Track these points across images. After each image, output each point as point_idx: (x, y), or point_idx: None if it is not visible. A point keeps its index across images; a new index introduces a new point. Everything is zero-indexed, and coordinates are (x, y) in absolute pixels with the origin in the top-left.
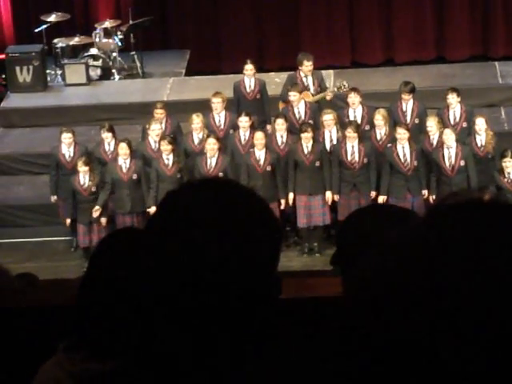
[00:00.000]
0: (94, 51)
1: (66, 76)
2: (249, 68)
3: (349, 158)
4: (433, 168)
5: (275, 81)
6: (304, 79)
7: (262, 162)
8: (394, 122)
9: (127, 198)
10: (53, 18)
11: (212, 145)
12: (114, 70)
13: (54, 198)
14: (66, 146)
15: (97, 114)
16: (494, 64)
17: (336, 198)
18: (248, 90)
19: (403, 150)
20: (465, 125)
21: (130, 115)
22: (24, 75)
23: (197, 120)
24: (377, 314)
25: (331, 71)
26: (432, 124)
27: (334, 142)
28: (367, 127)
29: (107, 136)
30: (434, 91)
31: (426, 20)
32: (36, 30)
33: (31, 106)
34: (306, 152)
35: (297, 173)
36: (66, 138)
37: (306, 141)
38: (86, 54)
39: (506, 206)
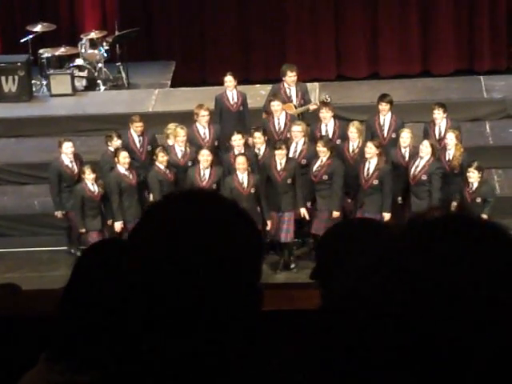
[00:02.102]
0: (79, 62)
1: (52, 86)
2: (228, 80)
3: (314, 170)
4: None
5: (260, 93)
6: (287, 90)
7: (245, 185)
8: (371, 135)
9: (137, 203)
10: (39, 28)
11: (206, 156)
12: (99, 81)
13: (60, 214)
14: (68, 157)
15: (82, 125)
16: (479, 78)
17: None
18: (232, 102)
19: (369, 164)
20: None
21: (116, 126)
22: (9, 85)
23: (182, 133)
24: (354, 326)
25: (316, 84)
26: (407, 136)
27: (298, 153)
28: (338, 141)
29: (120, 143)
30: (419, 105)
31: (412, 34)
32: (22, 40)
33: (16, 116)
34: (278, 168)
35: (268, 188)
36: (68, 147)
37: (280, 157)
38: (71, 65)
39: (483, 221)
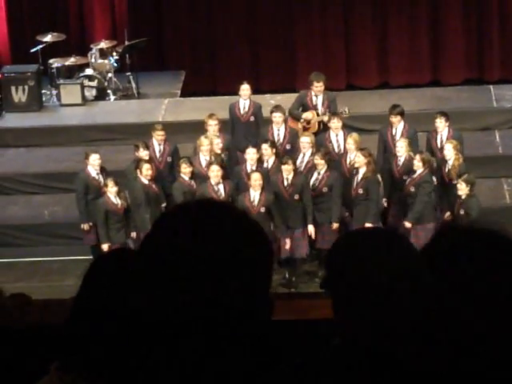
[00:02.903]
0: (89, 72)
1: (62, 96)
2: (245, 88)
3: (311, 184)
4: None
5: (270, 103)
6: (314, 98)
7: (256, 203)
8: (383, 145)
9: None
10: (49, 38)
11: (216, 172)
12: (109, 91)
13: (87, 226)
14: (95, 168)
15: (92, 135)
16: (489, 87)
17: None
18: (242, 111)
19: (357, 174)
20: None
21: (125, 136)
22: (19, 95)
23: (205, 142)
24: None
25: None
26: (402, 145)
27: (304, 163)
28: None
29: (146, 154)
30: (429, 114)
31: (422, 43)
32: (32, 50)
33: (26, 126)
34: (285, 184)
35: (276, 204)
36: (95, 159)
37: (287, 173)
38: (81, 75)
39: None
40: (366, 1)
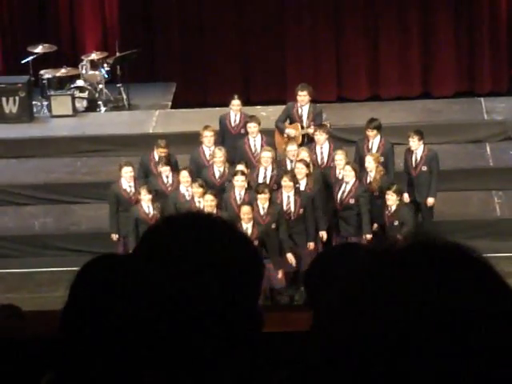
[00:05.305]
0: (80, 83)
1: (52, 107)
2: (236, 103)
3: (284, 207)
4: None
5: (261, 114)
6: (299, 110)
7: (249, 236)
8: (359, 158)
9: None
10: (40, 49)
11: (209, 201)
12: (100, 102)
13: (116, 237)
14: (127, 181)
15: (82, 146)
16: (480, 100)
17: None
18: (233, 124)
19: (300, 185)
20: (424, 168)
21: (116, 147)
22: (10, 106)
23: (219, 153)
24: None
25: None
26: (340, 158)
27: (268, 180)
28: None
29: (165, 169)
30: (420, 127)
31: (412, 56)
32: (23, 62)
33: (17, 137)
34: (261, 213)
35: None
36: (128, 171)
37: (263, 201)
38: (72, 86)
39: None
40: (357, 13)
